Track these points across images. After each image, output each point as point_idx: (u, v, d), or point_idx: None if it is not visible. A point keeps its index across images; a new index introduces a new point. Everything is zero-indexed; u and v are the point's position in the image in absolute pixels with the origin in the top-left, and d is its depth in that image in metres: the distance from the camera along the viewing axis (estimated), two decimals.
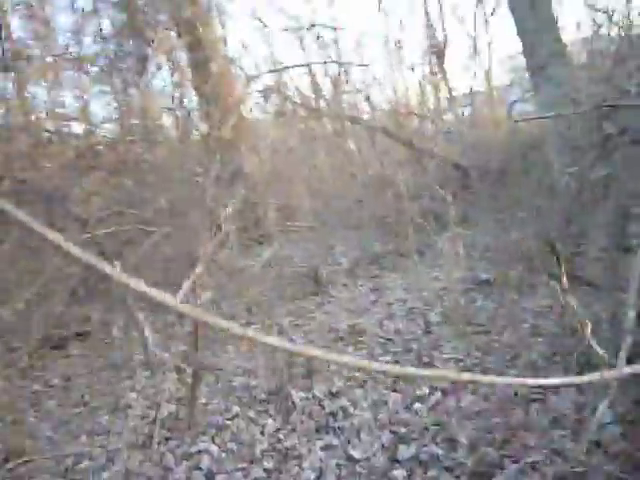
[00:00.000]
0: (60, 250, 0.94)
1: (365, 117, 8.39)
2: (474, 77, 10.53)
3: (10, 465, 2.72)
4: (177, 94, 6.29)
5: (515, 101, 9.20)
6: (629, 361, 1.67)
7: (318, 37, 8.61)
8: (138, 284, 1.19)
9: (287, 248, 5.67)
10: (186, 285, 2.62)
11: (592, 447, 2.20)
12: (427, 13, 9.52)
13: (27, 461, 2.77)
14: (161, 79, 6.78)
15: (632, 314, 1.70)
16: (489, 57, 11.28)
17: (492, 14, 9.75)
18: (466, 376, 1.78)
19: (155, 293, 1.16)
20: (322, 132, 7.58)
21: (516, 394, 2.81)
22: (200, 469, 2.62)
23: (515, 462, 2.12)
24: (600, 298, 2.62)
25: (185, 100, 6.28)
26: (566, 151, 3.75)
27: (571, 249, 3.03)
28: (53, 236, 0.93)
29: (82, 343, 4.40)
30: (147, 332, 3.87)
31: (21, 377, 3.75)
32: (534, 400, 2.68)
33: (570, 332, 3.20)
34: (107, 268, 1.03)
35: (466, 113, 10.64)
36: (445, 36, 9.89)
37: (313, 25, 7.29)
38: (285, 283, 4.90)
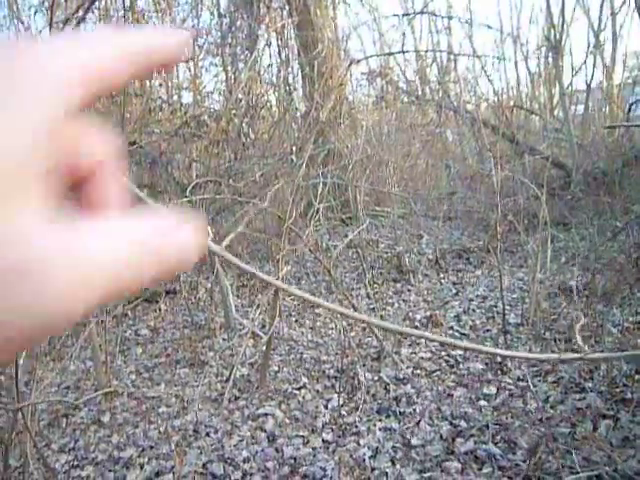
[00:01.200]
0: None
1: (469, 108, 8.18)
2: (593, 73, 9.97)
3: (97, 395, 2.99)
4: (283, 72, 6.47)
5: (636, 101, 8.62)
6: None
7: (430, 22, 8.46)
8: (224, 252, 1.30)
9: (374, 232, 5.71)
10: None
11: None
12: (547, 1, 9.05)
13: (112, 395, 3.04)
14: (269, 56, 6.97)
15: None
16: (612, 52, 10.62)
17: (620, 6, 9.14)
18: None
19: (240, 263, 1.26)
20: (422, 120, 7.49)
21: (588, 407, 2.73)
22: (264, 430, 2.77)
23: (573, 473, 2.08)
24: None
25: (290, 78, 6.43)
26: None
27: None
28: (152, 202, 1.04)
29: (171, 300, 4.71)
30: (230, 297, 4.09)
31: (114, 324, 4.08)
32: (605, 416, 2.58)
33: None
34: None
35: (579, 111, 10.10)
36: (564, 26, 9.39)
37: (423, 12, 7.17)
38: (367, 267, 4.95)
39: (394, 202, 5.51)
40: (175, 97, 6.38)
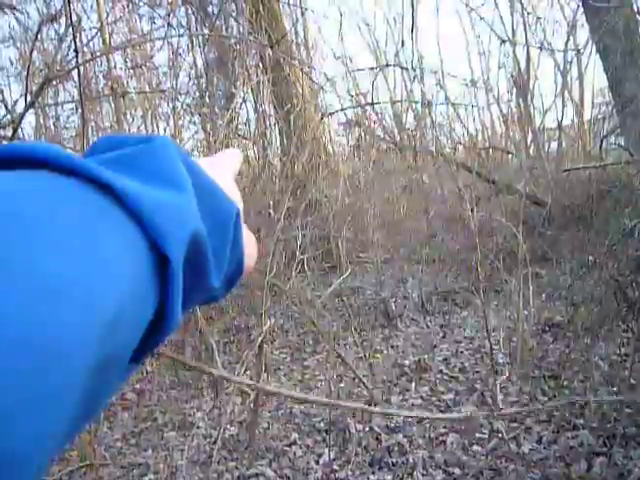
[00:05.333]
0: None
1: (446, 151, 8.36)
2: (563, 111, 10.28)
3: (79, 466, 2.91)
4: (260, 127, 6.60)
5: (606, 135, 8.87)
6: None
7: (403, 70, 8.73)
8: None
9: (358, 279, 5.72)
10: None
11: None
12: (513, 46, 9.41)
13: (94, 466, 2.96)
14: (246, 112, 7.12)
15: None
16: (580, 91, 11.01)
17: (583, 48, 9.52)
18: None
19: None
20: (399, 166, 7.63)
21: (581, 445, 2.70)
22: None
23: None
24: None
25: (266, 134, 6.56)
26: None
27: None
28: None
29: (156, 360, 4.63)
30: (216, 355, 4.03)
31: None
32: (598, 454, 2.56)
33: None
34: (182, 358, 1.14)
35: (553, 148, 10.36)
36: (529, 70, 9.75)
37: (394, 65, 7.41)
38: (354, 314, 4.93)
39: (377, 248, 5.55)
40: None
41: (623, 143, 5.87)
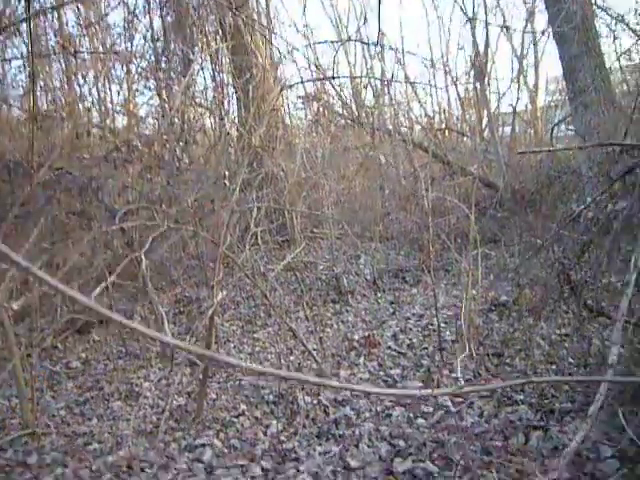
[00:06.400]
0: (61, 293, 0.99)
1: (402, 130, 8.41)
2: (518, 97, 10.48)
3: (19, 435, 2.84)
4: (217, 96, 6.45)
5: (558, 122, 9.10)
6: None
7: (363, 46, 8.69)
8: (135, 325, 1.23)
9: (311, 254, 5.74)
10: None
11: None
12: (473, 28, 9.48)
13: (36, 435, 2.89)
14: (203, 80, 6.95)
15: (615, 350, 1.71)
16: (535, 77, 11.24)
17: (541, 35, 9.68)
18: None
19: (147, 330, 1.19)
20: (356, 142, 7.63)
21: (520, 419, 2.81)
22: (201, 462, 2.69)
23: None
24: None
25: (224, 103, 6.42)
26: (594, 181, 3.73)
27: (586, 278, 3.01)
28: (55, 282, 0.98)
29: (104, 330, 4.54)
30: (166, 325, 3.98)
31: (43, 357, 3.90)
32: (536, 427, 2.67)
33: (583, 362, 3.19)
34: (112, 314, 1.09)
35: (506, 132, 10.58)
36: (489, 53, 9.86)
37: (355, 39, 7.36)
38: (306, 289, 4.96)
39: (331, 224, 5.57)
40: (107, 121, 6.23)
41: (574, 131, 6.04)
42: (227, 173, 4.17)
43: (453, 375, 3.43)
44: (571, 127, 7.89)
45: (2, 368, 3.06)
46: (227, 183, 3.97)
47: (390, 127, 8.13)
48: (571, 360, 3.38)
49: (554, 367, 3.37)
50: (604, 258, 2.69)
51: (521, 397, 3.03)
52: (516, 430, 2.67)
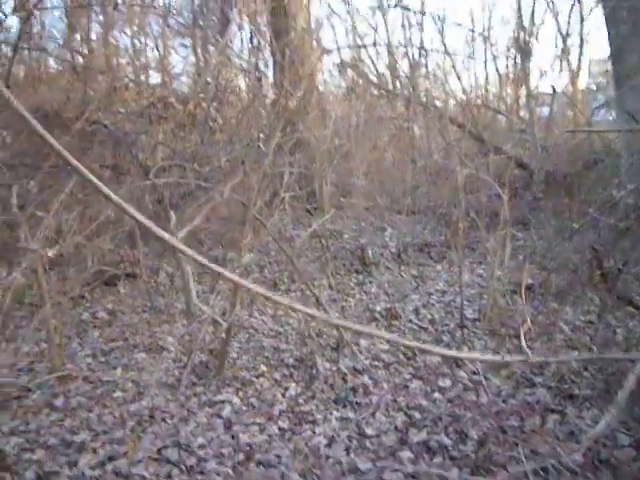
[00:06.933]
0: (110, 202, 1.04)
1: (438, 104, 8.26)
2: (559, 77, 10.18)
3: (50, 378, 2.94)
4: (254, 58, 6.41)
5: (598, 107, 8.84)
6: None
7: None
8: (177, 243, 1.28)
9: (338, 223, 5.73)
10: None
11: (603, 467, 2.21)
12: (519, 2, 9.17)
13: (66, 378, 2.99)
14: (240, 41, 6.88)
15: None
16: (579, 58, 10.87)
17: (589, 13, 9.35)
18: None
19: (199, 257, 1.24)
20: (391, 114, 7.54)
21: (537, 402, 2.82)
22: (220, 417, 2.76)
23: (519, 465, 2.15)
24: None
25: (261, 65, 6.38)
26: (635, 167, 3.63)
27: (619, 266, 2.96)
28: (105, 189, 1.02)
29: (131, 284, 4.64)
30: (191, 283, 4.05)
31: (71, 306, 4.00)
32: (553, 411, 2.68)
33: (604, 350, 3.16)
34: (155, 228, 1.12)
35: (545, 113, 10.32)
36: (533, 30, 9.56)
37: (397, 5, 7.19)
38: (331, 257, 4.97)
39: (360, 194, 5.54)
40: (142, 77, 6.25)
41: (616, 116, 5.86)
42: (261, 135, 4.16)
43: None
44: (611, 112, 7.67)
45: (34, 314, 3.15)
46: (260, 146, 3.97)
47: (425, 100, 7.99)
48: (593, 347, 3.36)
49: (575, 353, 3.35)
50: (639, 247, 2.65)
51: (540, 380, 3.03)
52: (533, 412, 2.68)
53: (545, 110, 10.43)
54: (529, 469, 2.10)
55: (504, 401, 2.83)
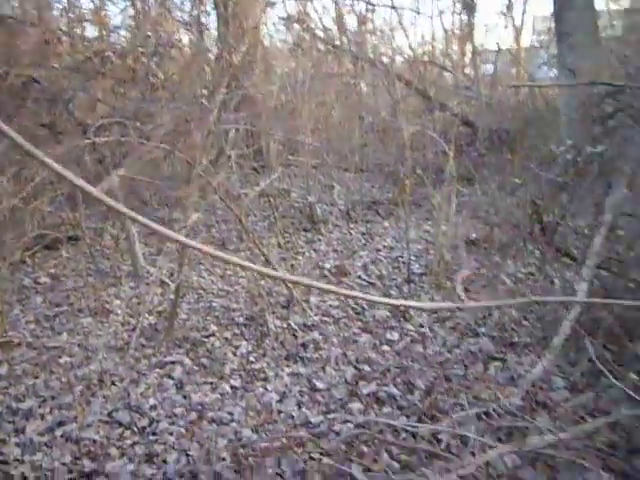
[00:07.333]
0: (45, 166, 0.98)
1: (384, 61, 8.20)
2: (503, 35, 10.24)
3: None
4: (196, 10, 6.15)
5: (542, 64, 8.97)
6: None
7: None
8: (123, 208, 1.24)
9: (286, 182, 5.70)
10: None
11: (540, 408, 2.34)
12: None
13: (8, 345, 2.91)
14: None
15: (584, 286, 1.77)
16: (522, 15, 10.96)
17: None
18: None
19: (143, 219, 1.21)
20: (338, 70, 7.45)
21: (480, 350, 2.94)
22: (171, 378, 2.76)
23: (463, 410, 2.24)
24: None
25: (203, 18, 6.13)
26: (573, 123, 3.73)
27: (557, 219, 3.08)
28: (39, 153, 0.96)
29: (74, 247, 4.50)
30: (137, 245, 3.97)
31: (11, 272, 3.86)
32: (495, 358, 2.80)
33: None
34: (94, 190, 1.08)
35: (489, 71, 10.41)
36: None
37: None
38: (279, 216, 4.95)
39: (307, 152, 5.50)
40: (77, 30, 5.91)
41: (558, 72, 5.98)
42: (204, 92, 4.04)
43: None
44: (553, 70, 7.81)
45: None
46: (204, 102, 3.86)
47: (372, 56, 7.91)
48: (534, 297, 3.50)
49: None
50: (577, 201, 2.75)
51: (483, 330, 3.15)
52: (477, 360, 2.79)
53: (490, 67, 10.54)
54: (472, 414, 2.20)
55: (449, 351, 2.93)
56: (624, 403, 2.15)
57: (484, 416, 2.21)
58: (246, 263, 1.59)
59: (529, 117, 6.71)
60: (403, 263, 4.21)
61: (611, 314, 2.57)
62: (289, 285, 3.48)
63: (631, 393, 1.96)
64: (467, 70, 10.03)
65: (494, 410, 2.23)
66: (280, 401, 2.54)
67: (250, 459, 2.08)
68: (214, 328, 3.28)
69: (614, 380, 2.04)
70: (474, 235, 4.53)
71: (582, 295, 1.83)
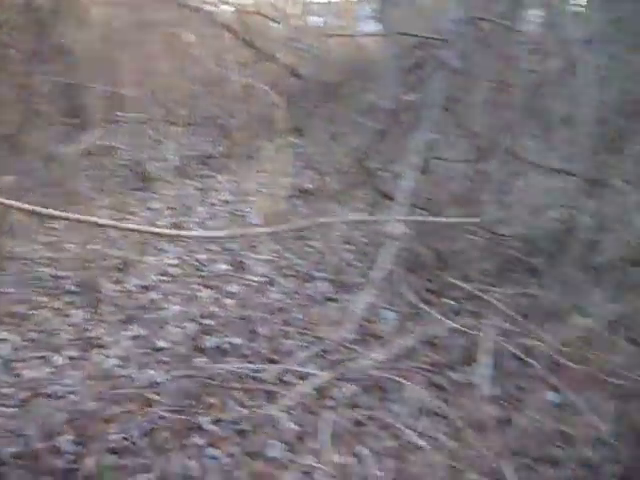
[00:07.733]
0: None
1: (210, 9, 7.92)
2: None
3: None
4: None
5: (367, 18, 9.28)
6: None
7: None
8: None
9: (111, 138, 5.34)
10: None
11: (371, 339, 2.56)
12: None
13: None
14: None
15: (400, 226, 1.94)
16: None
17: None
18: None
19: None
20: (160, 19, 7.05)
21: (317, 292, 3.11)
22: None
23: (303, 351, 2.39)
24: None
25: None
26: (392, 73, 3.96)
27: (379, 166, 3.30)
28: None
29: None
30: None
31: None
32: (331, 299, 2.99)
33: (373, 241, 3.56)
34: None
35: (320, 23, 10.54)
36: None
37: None
38: (107, 175, 4.68)
39: (133, 106, 5.20)
40: None
41: (381, 27, 6.23)
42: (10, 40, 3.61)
43: (258, 257, 3.62)
44: (377, 23, 8.13)
45: None
46: (10, 52, 3.46)
47: (195, 4, 7.59)
48: (363, 240, 3.77)
49: (347, 246, 3.73)
50: (395, 147, 2.96)
51: (321, 275, 3.33)
52: (314, 302, 2.96)
53: (318, 19, 10.69)
54: (312, 353, 2.35)
55: (290, 298, 3.07)
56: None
57: (323, 353, 2.38)
58: (80, 216, 1.49)
59: (354, 69, 6.96)
60: (240, 216, 4.24)
61: (429, 250, 2.86)
62: (123, 247, 3.34)
63: (440, 316, 2.23)
64: (296, 21, 10.07)
65: (330, 346, 2.41)
66: (121, 366, 2.48)
67: (93, 428, 2.02)
68: (43, 299, 3.06)
69: (426, 307, 2.30)
70: (309, 185, 4.69)
71: (398, 232, 2.01)
